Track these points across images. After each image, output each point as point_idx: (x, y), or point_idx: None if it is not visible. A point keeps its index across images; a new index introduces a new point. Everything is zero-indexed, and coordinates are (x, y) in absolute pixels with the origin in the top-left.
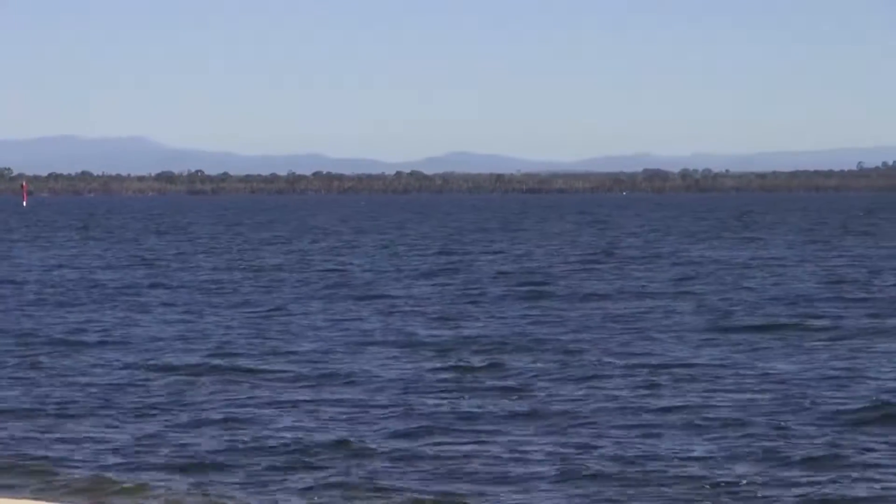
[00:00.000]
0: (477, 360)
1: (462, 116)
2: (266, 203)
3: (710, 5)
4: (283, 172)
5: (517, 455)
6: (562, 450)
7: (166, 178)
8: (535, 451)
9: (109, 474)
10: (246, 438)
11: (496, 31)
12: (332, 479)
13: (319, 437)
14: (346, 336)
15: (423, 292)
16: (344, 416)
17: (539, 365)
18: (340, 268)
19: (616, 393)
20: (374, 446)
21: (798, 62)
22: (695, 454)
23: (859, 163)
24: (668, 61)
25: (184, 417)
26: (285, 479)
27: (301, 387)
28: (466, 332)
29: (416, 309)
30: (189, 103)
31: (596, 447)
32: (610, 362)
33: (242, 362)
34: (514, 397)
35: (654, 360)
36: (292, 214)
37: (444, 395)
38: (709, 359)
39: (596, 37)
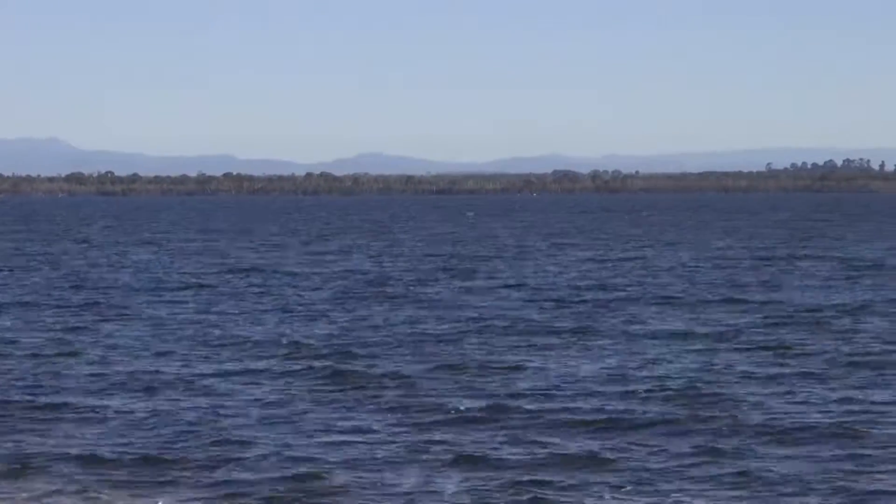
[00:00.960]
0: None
1: (374, 118)
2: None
3: (624, 4)
4: (193, 173)
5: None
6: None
7: (76, 179)
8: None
9: None
10: None
11: (405, 33)
12: None
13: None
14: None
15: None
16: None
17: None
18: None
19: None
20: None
21: (708, 63)
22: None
23: (768, 164)
24: (578, 62)
25: None
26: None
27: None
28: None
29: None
30: (102, 105)
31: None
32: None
33: None
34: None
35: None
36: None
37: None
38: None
39: (503, 38)
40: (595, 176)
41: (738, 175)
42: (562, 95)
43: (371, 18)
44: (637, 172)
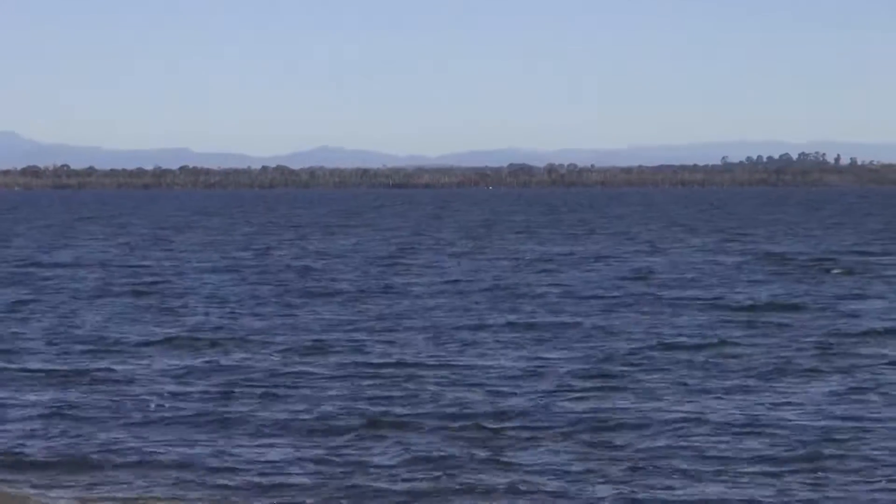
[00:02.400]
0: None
1: (330, 112)
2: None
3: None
4: (149, 167)
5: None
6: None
7: (32, 172)
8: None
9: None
10: None
11: (365, 24)
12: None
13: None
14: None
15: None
16: None
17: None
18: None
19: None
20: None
21: (660, 57)
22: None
23: (723, 157)
24: (533, 55)
25: None
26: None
27: None
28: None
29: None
30: (59, 98)
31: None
32: None
33: None
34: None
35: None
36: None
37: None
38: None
39: (458, 32)
40: (551, 170)
41: (694, 169)
42: (518, 90)
43: (329, 12)
44: (593, 166)
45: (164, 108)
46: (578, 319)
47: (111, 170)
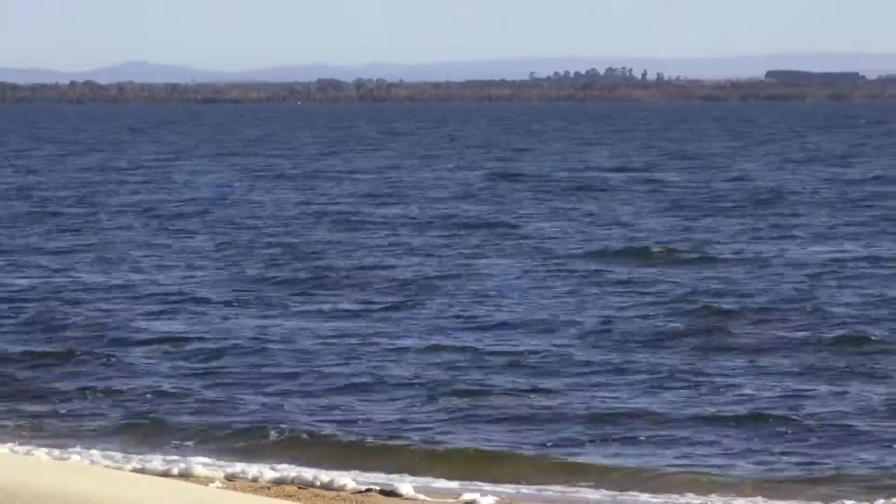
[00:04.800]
0: None
1: (138, 25)
2: None
3: None
4: None
5: None
6: None
7: None
8: None
9: None
10: None
11: None
12: None
13: None
14: None
15: None
16: None
17: None
18: None
19: None
20: None
21: None
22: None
23: (531, 73)
24: None
25: None
26: None
27: None
28: None
29: None
30: None
31: None
32: None
33: None
34: None
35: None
36: None
37: None
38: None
39: None
40: (360, 85)
41: (502, 84)
42: (326, 2)
43: None
44: (401, 81)
45: None
46: None
47: None
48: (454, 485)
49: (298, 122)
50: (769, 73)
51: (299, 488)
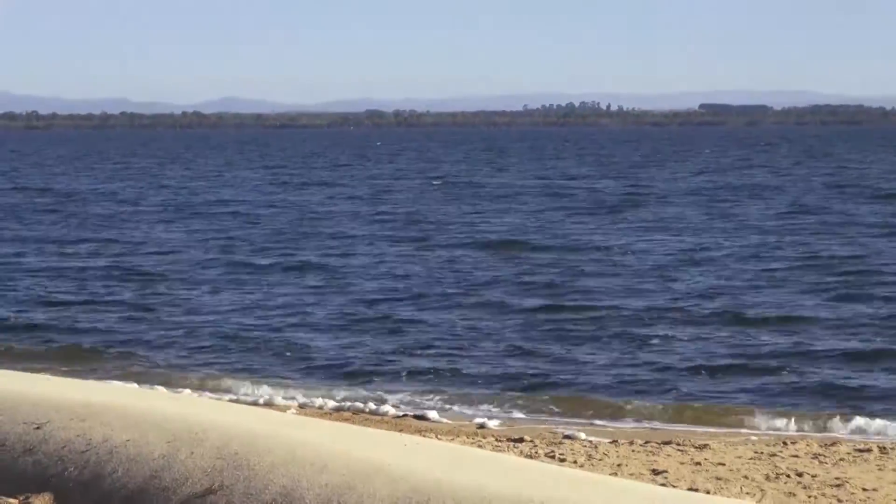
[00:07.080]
0: None
1: (233, 71)
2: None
3: None
4: (98, 112)
5: None
6: None
7: (8, 116)
8: None
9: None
10: None
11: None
12: None
13: None
14: None
15: None
16: None
17: None
18: None
19: None
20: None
21: (478, 19)
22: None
23: (524, 105)
24: (385, 27)
25: None
26: None
27: None
28: None
29: None
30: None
31: None
32: None
33: None
34: None
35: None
36: None
37: None
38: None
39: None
40: (397, 114)
41: (502, 113)
42: (374, 54)
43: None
44: (427, 111)
45: (107, 66)
46: None
47: (69, 115)
48: (469, 411)
49: (361, 141)
50: (701, 106)
51: (353, 414)
